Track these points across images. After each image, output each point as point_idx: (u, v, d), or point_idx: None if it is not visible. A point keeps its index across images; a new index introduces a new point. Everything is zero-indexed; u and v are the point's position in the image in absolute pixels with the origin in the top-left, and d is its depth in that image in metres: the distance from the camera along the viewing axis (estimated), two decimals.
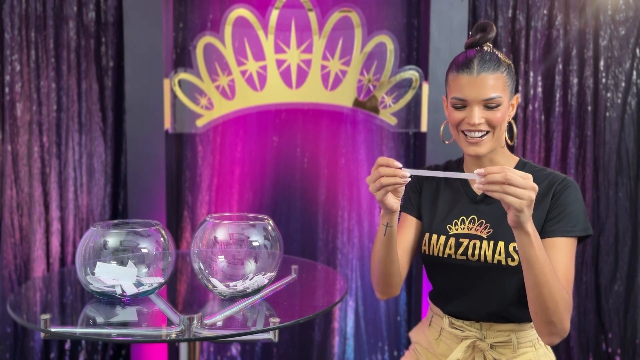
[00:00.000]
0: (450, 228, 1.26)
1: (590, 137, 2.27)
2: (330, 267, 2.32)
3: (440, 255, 1.25)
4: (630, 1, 2.23)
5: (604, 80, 2.26)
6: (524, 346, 1.24)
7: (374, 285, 1.33)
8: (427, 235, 1.29)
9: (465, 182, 1.30)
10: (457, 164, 1.36)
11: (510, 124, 1.26)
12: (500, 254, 1.19)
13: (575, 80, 2.26)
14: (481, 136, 1.19)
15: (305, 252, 2.37)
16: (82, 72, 2.21)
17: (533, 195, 0.99)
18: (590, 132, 2.27)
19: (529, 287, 1.09)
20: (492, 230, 1.21)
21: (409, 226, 1.34)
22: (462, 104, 1.19)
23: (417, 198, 1.36)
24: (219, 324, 1.16)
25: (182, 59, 2.27)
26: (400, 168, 1.09)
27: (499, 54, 1.21)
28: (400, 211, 1.38)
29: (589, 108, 2.26)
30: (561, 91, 2.26)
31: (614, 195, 2.29)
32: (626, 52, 2.25)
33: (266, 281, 1.32)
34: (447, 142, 1.35)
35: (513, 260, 1.17)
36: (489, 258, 1.20)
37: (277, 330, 1.18)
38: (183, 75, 2.20)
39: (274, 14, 2.19)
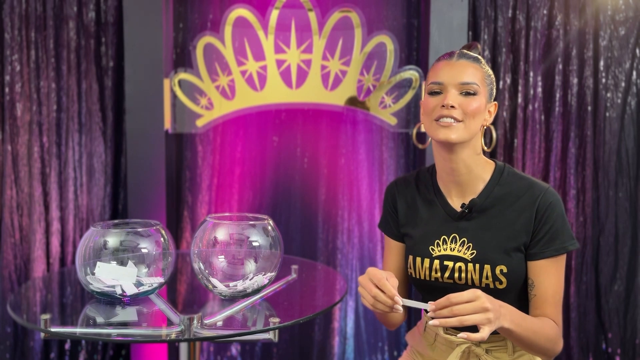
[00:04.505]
0: (432, 250, 1.23)
1: (590, 137, 2.27)
2: (330, 267, 2.32)
3: (427, 279, 1.23)
4: (630, 1, 2.23)
5: (604, 80, 2.26)
6: (520, 349, 1.23)
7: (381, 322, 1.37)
8: (410, 257, 1.26)
9: (441, 197, 1.25)
10: (430, 174, 1.30)
11: (489, 130, 1.23)
12: (487, 278, 1.17)
13: (575, 80, 2.26)
14: (454, 122, 1.13)
15: (305, 252, 2.37)
16: (82, 72, 2.20)
17: (490, 315, 0.99)
18: (590, 132, 2.27)
19: (517, 344, 1.14)
20: (475, 251, 1.18)
21: (394, 253, 1.33)
22: (438, 89, 1.15)
23: (394, 220, 1.33)
24: (219, 324, 1.16)
25: (182, 59, 2.27)
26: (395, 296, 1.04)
27: (482, 58, 1.21)
28: (381, 230, 1.38)
29: (589, 108, 2.26)
30: (561, 91, 2.26)
31: (614, 195, 2.29)
32: (626, 52, 2.25)
33: (266, 281, 1.32)
34: (420, 145, 1.32)
35: (501, 283, 1.16)
36: (477, 282, 1.18)
37: (277, 330, 1.18)
38: (183, 75, 2.20)
39: (274, 14, 2.19)
